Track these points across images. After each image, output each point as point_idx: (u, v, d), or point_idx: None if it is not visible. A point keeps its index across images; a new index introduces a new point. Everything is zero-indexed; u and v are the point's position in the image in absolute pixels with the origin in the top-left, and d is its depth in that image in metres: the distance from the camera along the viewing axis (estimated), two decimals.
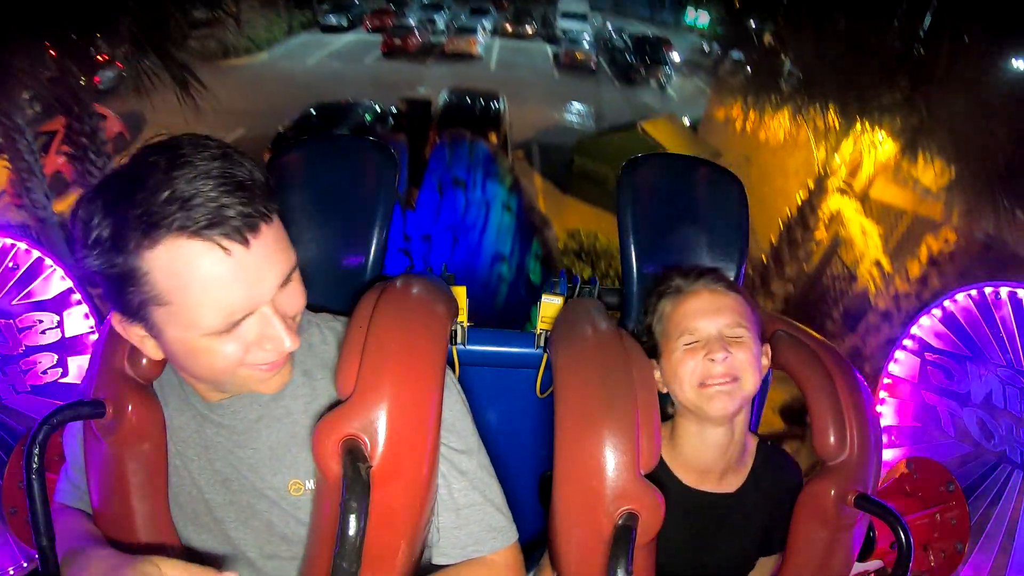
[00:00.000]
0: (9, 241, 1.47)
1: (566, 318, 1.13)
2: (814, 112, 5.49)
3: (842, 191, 6.11)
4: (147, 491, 0.88)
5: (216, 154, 0.70)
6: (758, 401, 1.40)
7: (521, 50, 23.29)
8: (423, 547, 0.91)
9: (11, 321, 1.47)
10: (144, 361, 0.87)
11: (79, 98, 5.21)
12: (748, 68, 6.30)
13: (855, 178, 6.15)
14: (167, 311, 0.72)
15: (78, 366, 1.52)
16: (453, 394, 0.94)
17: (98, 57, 5.24)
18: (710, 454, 1.09)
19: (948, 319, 1.54)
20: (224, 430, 0.88)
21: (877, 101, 5.09)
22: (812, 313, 6.79)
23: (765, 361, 1.10)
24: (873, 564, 1.19)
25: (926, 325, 1.58)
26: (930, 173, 5.12)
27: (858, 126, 5.48)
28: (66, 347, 1.52)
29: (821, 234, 6.36)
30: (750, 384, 1.03)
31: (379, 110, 10.89)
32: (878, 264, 5.91)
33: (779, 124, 5.95)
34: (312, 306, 0.99)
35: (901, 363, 1.61)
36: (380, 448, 0.78)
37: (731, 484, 1.11)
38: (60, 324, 1.51)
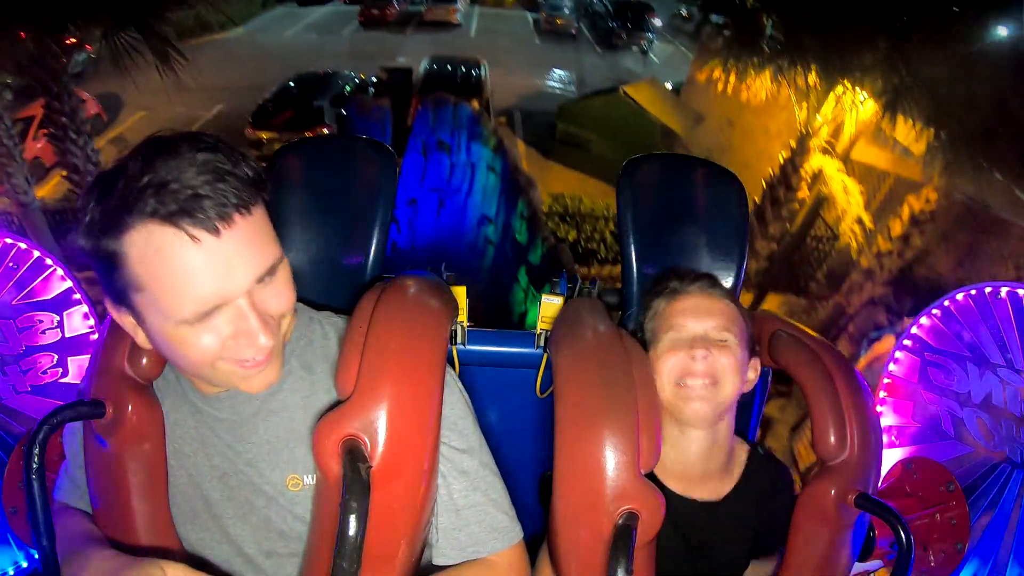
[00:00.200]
0: (9, 240, 1.47)
1: (566, 318, 1.13)
2: (795, 73, 5.44)
3: (824, 150, 6.12)
4: (147, 491, 0.88)
5: (206, 147, 0.71)
6: (756, 411, 1.40)
7: (501, 17, 22.73)
8: (423, 547, 0.91)
9: (11, 321, 1.47)
10: (144, 361, 0.87)
11: (58, 78, 5.16)
12: (728, 31, 6.18)
13: (837, 139, 6.15)
14: (143, 297, 0.72)
15: (78, 366, 1.52)
16: (454, 392, 0.94)
17: (67, 41, 5.18)
18: (691, 459, 1.09)
19: (948, 319, 1.54)
20: (221, 424, 0.87)
21: (859, 61, 5.05)
22: (796, 273, 6.82)
23: (752, 375, 1.11)
24: (873, 564, 1.19)
25: (926, 325, 1.57)
26: (911, 134, 5.12)
27: (839, 87, 5.46)
28: (66, 347, 1.51)
29: (804, 193, 6.39)
30: (728, 389, 1.03)
31: (359, 80, 10.81)
32: (860, 222, 5.93)
33: (761, 85, 5.88)
34: (313, 305, 0.99)
35: (901, 363, 1.61)
36: (380, 448, 0.78)
37: (716, 492, 1.11)
38: (60, 324, 1.51)
